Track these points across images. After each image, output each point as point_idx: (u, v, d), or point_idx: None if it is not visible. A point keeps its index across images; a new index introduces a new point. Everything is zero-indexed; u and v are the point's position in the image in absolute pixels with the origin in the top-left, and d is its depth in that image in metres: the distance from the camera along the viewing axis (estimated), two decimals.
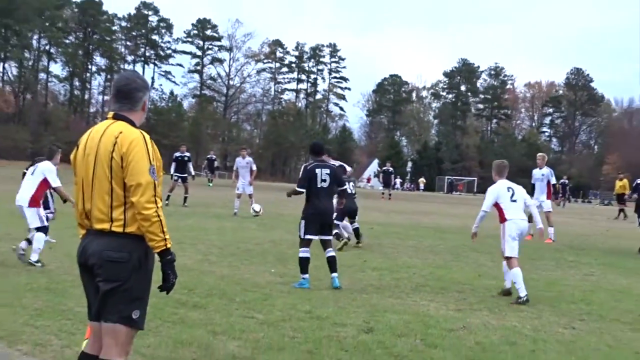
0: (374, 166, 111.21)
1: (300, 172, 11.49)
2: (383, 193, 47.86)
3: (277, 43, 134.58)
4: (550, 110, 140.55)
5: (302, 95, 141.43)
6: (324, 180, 11.05)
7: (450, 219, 29.82)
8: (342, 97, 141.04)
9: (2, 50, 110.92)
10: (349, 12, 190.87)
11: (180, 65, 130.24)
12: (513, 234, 10.87)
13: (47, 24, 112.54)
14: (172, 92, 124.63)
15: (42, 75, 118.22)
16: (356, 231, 17.08)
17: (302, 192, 11.18)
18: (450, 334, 8.08)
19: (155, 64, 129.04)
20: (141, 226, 4.44)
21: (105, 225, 4.44)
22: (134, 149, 4.45)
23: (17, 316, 7.83)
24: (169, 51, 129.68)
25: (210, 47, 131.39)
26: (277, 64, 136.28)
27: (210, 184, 49.38)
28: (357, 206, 17.39)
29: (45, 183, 12.30)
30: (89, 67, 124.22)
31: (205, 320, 8.17)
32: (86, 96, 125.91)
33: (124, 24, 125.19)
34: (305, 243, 11.12)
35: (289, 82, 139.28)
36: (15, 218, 14.10)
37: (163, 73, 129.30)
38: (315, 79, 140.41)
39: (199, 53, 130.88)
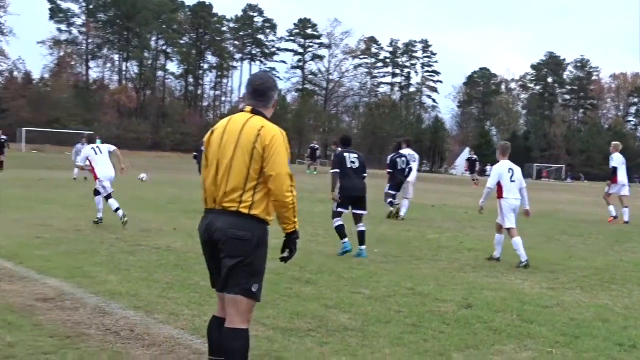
0: (465, 154, 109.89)
1: (332, 159, 12.38)
2: (474, 179, 47.41)
3: (373, 40, 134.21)
4: (636, 100, 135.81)
5: (396, 89, 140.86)
6: (353, 162, 11.99)
7: (538, 204, 29.25)
8: (435, 90, 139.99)
9: (125, 51, 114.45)
10: (439, 9, 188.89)
11: (284, 62, 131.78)
12: (508, 209, 11.67)
13: (164, 26, 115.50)
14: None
15: (160, 73, 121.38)
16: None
17: (337, 172, 11.93)
18: (545, 311, 8.01)
19: (260, 61, 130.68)
20: (278, 211, 4.72)
21: (234, 205, 4.62)
22: (275, 143, 4.67)
23: (151, 289, 8.15)
24: (273, 49, 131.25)
25: (311, 45, 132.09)
26: (373, 60, 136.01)
27: (315, 172, 49.82)
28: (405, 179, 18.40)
29: None
30: (202, 65, 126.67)
31: (317, 294, 8.33)
32: (199, 91, 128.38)
33: (232, 25, 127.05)
34: (337, 215, 12.04)
35: (384, 76, 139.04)
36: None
37: (268, 70, 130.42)
38: (409, 73, 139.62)
39: (301, 50, 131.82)
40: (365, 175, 12.28)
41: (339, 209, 12.03)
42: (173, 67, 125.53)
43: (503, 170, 11.84)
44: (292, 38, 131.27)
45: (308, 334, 6.61)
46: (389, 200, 18.87)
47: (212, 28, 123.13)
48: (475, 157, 49.30)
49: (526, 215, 12.43)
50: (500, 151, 12.16)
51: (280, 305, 7.64)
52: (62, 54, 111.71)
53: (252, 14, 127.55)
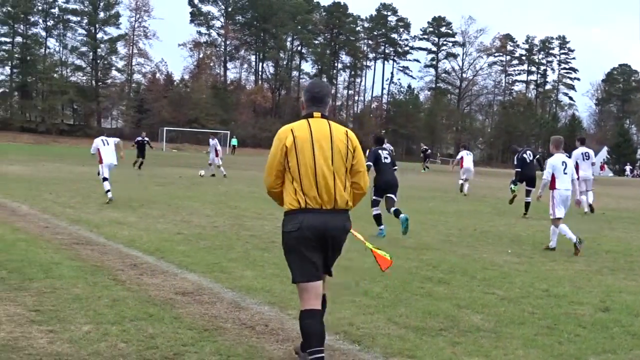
0: (603, 154, 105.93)
1: (367, 154, 13.33)
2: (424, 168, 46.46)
3: (508, 37, 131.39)
4: None
5: (532, 86, 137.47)
6: (386, 158, 13.95)
7: None
8: (572, 87, 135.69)
9: (261, 51, 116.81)
10: (577, 3, 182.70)
11: (417, 60, 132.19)
12: (559, 200, 12.59)
13: (299, 27, 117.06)
14: (409, 86, 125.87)
15: (295, 73, 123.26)
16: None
17: (371, 166, 13.49)
18: None
19: (394, 60, 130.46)
20: (357, 200, 5.50)
21: (344, 203, 5.27)
22: (358, 144, 5.42)
23: (285, 285, 8.25)
24: (406, 48, 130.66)
25: (444, 43, 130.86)
26: (508, 57, 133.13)
27: (427, 169, 49.98)
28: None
29: None
30: (335, 64, 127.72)
31: (449, 294, 8.24)
32: (332, 91, 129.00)
33: (366, 24, 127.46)
34: (375, 203, 13.83)
35: (519, 73, 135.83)
36: None
37: (401, 68, 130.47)
38: (545, 70, 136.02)
39: (434, 49, 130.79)
40: (395, 168, 14.20)
41: (375, 197, 13.90)
42: (307, 66, 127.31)
43: (557, 162, 12.80)
44: (426, 36, 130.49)
45: (440, 333, 6.54)
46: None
47: (346, 28, 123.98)
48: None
49: (577, 205, 13.65)
50: (554, 145, 13.19)
51: (413, 304, 7.60)
52: (201, 55, 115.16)
53: (385, 13, 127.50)
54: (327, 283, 5.51)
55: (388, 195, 13.89)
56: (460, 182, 27.38)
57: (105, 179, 17.96)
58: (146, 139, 37.68)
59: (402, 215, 13.20)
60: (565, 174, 12.70)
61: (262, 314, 6.98)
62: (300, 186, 5.22)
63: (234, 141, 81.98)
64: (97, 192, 19.54)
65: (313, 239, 5.16)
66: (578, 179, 14.16)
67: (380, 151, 14.04)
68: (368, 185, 5.50)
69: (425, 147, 62.04)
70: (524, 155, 19.97)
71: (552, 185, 12.70)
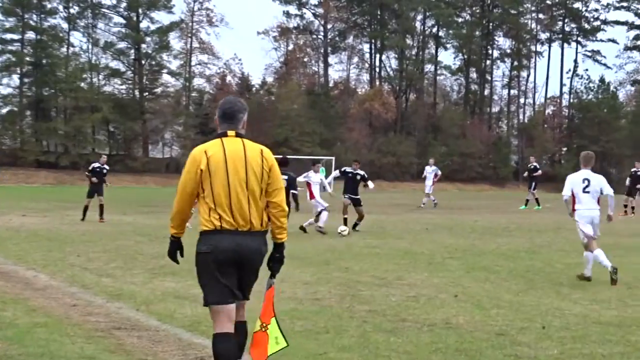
0: None
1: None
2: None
3: None
4: None
5: None
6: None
7: None
8: None
9: (378, 37, 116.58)
10: None
11: (613, 41, 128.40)
12: (581, 222, 16.57)
13: None
14: (602, 79, 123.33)
15: (429, 67, 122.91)
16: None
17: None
18: None
19: (578, 42, 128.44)
20: (279, 221, 7.75)
21: (258, 224, 7.51)
22: (274, 163, 7.68)
23: None
24: (596, 23, 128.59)
25: None
26: None
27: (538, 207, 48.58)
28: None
29: None
30: (490, 52, 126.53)
31: None
32: (486, 91, 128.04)
33: None
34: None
35: None
36: None
37: (589, 53, 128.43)
38: None
39: (639, 22, 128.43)
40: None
41: None
42: (448, 57, 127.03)
43: (575, 179, 16.66)
44: (626, 4, 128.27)
45: None
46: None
47: None
48: None
49: (608, 220, 17.20)
50: (581, 161, 16.97)
51: None
52: (291, 47, 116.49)
53: None
54: (244, 310, 7.82)
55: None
56: None
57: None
58: (105, 166, 34.46)
59: None
60: (587, 192, 16.46)
61: None
62: (214, 208, 7.35)
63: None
64: (144, 251, 19.95)
65: (227, 261, 7.34)
66: None
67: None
68: (284, 202, 7.73)
69: (535, 164, 53.63)
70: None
71: (572, 205, 16.70)
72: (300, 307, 13.07)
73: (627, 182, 42.80)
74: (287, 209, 7.77)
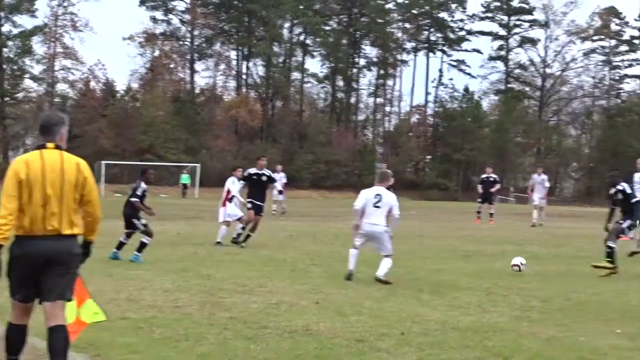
0: None
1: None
2: None
3: (612, 12, 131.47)
4: None
5: None
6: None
7: None
8: None
9: (246, 44, 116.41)
10: None
11: (478, 51, 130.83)
12: (360, 232, 17.90)
13: (301, 6, 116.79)
14: (466, 89, 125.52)
15: (296, 75, 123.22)
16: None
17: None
18: None
19: (443, 52, 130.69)
20: (93, 227, 8.59)
21: (69, 229, 8.22)
22: (89, 174, 8.37)
23: None
24: (461, 33, 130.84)
25: (518, 23, 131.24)
26: (613, 42, 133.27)
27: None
28: None
29: None
30: (356, 60, 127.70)
31: None
32: (352, 99, 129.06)
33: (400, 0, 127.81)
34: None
35: (630, 65, 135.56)
36: None
37: (454, 63, 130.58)
38: None
39: (503, 33, 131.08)
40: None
41: None
42: (315, 65, 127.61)
43: (369, 194, 17.87)
44: (490, 14, 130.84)
45: None
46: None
47: (371, 6, 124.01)
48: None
49: (389, 238, 17.87)
50: (377, 178, 18.86)
51: None
52: (157, 53, 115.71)
53: None
54: (63, 311, 8.31)
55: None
56: None
57: None
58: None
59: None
60: (377, 207, 17.59)
61: None
62: (29, 214, 8.02)
63: (185, 178, 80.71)
64: None
65: (36, 264, 8.05)
66: None
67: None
68: (99, 211, 8.53)
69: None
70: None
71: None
72: (160, 314, 12.96)
73: (479, 188, 43.09)
74: (100, 217, 8.65)
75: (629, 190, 20.95)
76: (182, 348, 10.50)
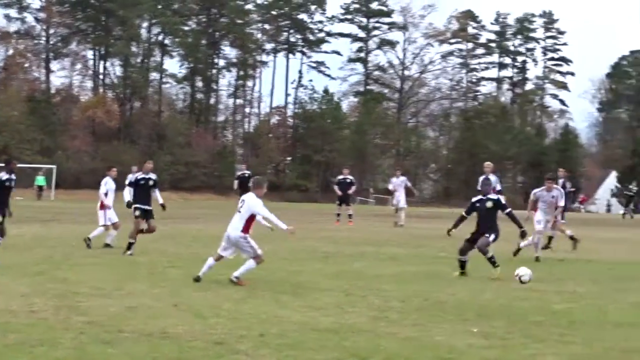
0: (610, 181, 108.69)
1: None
2: (624, 214, 47.41)
3: (469, 15, 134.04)
4: None
5: (505, 86, 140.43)
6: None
7: None
8: (563, 86, 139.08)
9: (103, 44, 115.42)
10: None
11: (337, 53, 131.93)
12: None
13: (159, 6, 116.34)
14: (326, 90, 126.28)
15: (155, 75, 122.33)
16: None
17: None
18: None
19: (303, 53, 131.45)
20: None
21: None
22: None
23: None
24: (321, 34, 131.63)
25: (377, 25, 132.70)
26: (470, 45, 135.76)
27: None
28: None
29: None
30: (215, 61, 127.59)
31: None
32: (212, 100, 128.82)
33: (259, 0, 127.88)
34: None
35: (486, 68, 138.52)
36: None
37: (314, 64, 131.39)
38: (524, 62, 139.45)
39: (362, 34, 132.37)
40: None
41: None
42: (173, 65, 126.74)
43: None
44: (349, 16, 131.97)
45: None
46: None
47: (230, 6, 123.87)
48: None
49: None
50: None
51: None
52: (10, 52, 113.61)
53: None
54: None
55: None
56: None
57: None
58: None
59: None
60: (239, 212, 17.80)
61: None
62: None
63: (40, 180, 79.36)
64: None
65: None
66: None
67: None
68: None
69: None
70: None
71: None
72: (14, 319, 12.71)
73: (337, 190, 43.07)
74: None
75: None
76: (37, 354, 10.31)
